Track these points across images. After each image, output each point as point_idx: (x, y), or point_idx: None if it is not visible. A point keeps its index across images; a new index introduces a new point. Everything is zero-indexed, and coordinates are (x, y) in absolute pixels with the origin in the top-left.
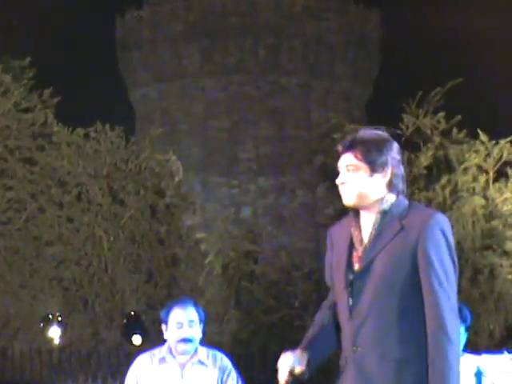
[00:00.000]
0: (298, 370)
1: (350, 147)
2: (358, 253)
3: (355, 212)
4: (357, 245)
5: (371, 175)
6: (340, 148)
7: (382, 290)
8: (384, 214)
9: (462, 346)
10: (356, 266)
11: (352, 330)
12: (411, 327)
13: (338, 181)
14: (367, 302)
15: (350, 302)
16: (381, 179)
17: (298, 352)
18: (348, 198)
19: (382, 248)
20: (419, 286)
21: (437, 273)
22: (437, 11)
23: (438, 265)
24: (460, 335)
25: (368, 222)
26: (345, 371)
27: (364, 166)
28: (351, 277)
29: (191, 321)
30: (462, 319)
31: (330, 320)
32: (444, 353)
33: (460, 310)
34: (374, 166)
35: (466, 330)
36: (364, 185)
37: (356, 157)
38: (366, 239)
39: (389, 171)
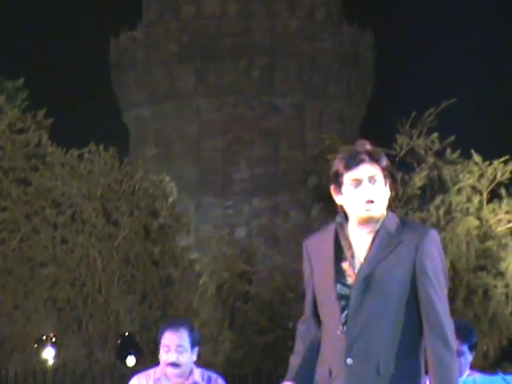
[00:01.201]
0: None
1: (372, 158)
2: (351, 266)
3: (341, 224)
4: (348, 258)
5: (385, 188)
6: (360, 158)
7: (379, 304)
8: (381, 228)
9: (468, 366)
10: (349, 280)
11: (345, 343)
12: (405, 342)
13: (368, 195)
14: (364, 316)
15: (344, 315)
16: (389, 193)
17: None
18: (379, 210)
19: (380, 262)
20: (414, 302)
21: (434, 286)
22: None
23: (434, 279)
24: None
25: (360, 235)
26: None
27: (384, 179)
28: (345, 290)
29: (180, 345)
30: (466, 338)
31: (314, 346)
32: (451, 369)
33: (465, 328)
34: (390, 179)
35: (471, 348)
36: (385, 197)
37: (381, 168)
38: (359, 252)
39: (392, 185)
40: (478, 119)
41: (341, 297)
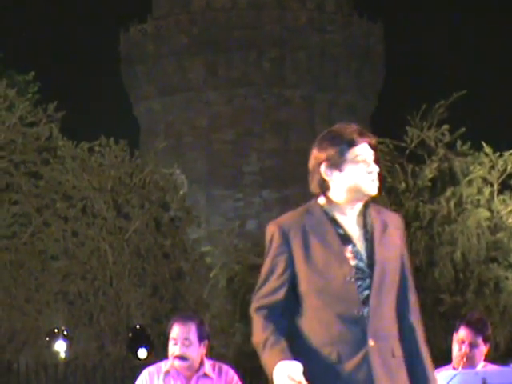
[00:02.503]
0: (300, 380)
1: (370, 138)
2: (348, 248)
3: (327, 206)
4: (354, 239)
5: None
6: (366, 137)
7: (385, 286)
8: (366, 208)
9: (482, 357)
10: (352, 262)
11: (364, 325)
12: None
13: (374, 169)
14: (374, 298)
15: (361, 297)
16: None
17: (294, 363)
18: (376, 188)
19: (377, 243)
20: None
21: (409, 269)
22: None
23: (408, 262)
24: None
25: (349, 215)
26: (351, 368)
27: (375, 157)
28: (358, 271)
29: (186, 339)
30: (480, 330)
31: (285, 332)
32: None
33: (479, 321)
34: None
35: (485, 340)
36: None
37: (375, 148)
38: (352, 233)
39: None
40: (488, 111)
41: (356, 278)
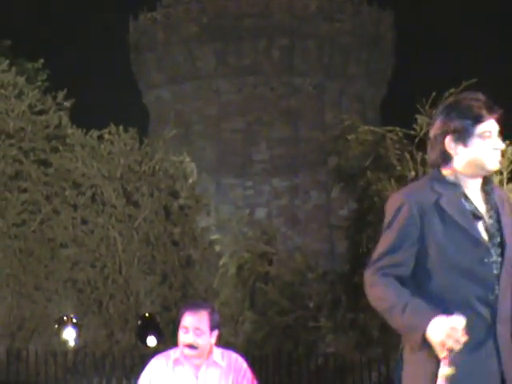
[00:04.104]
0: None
1: (497, 112)
2: (479, 224)
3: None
4: (474, 216)
5: None
6: (494, 112)
7: (509, 265)
8: (488, 183)
9: None
10: (484, 240)
11: (492, 308)
12: None
13: (500, 145)
14: (503, 280)
15: (494, 279)
16: None
17: (455, 316)
18: (498, 163)
19: (503, 221)
20: None
21: None
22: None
23: None
24: None
25: (474, 191)
26: (479, 350)
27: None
28: (494, 253)
29: (198, 328)
30: None
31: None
32: None
33: None
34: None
35: None
36: None
37: (500, 122)
38: (480, 209)
39: None
40: (497, 99)
41: (492, 262)
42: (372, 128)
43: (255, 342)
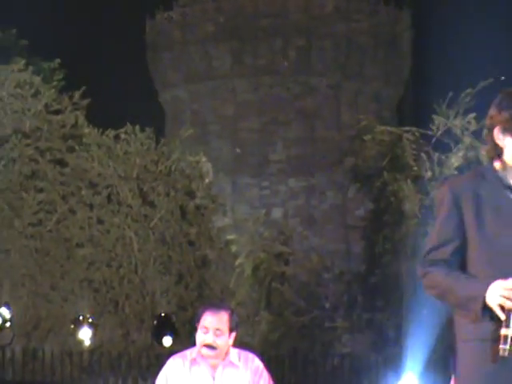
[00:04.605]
0: None
1: None
2: None
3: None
4: None
5: None
6: None
7: None
8: None
9: None
10: None
11: None
12: None
13: None
14: None
15: None
16: None
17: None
18: None
19: None
20: None
21: None
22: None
23: None
24: None
25: None
26: None
27: None
28: None
29: (218, 329)
30: None
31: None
32: None
33: None
34: None
35: None
36: None
37: None
38: None
39: None
40: None
41: None
42: (388, 128)
43: (271, 342)
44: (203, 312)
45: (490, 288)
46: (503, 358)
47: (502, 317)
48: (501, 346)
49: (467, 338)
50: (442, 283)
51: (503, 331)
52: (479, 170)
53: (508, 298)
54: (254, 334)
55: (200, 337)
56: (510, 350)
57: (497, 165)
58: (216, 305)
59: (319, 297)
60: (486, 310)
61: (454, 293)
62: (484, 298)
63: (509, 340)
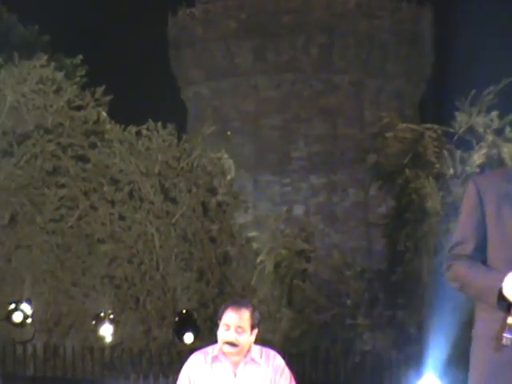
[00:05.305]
0: None
1: None
2: None
3: None
4: None
5: None
6: None
7: None
8: None
9: None
10: None
11: None
12: None
13: None
14: None
15: None
16: None
17: None
18: None
19: None
20: None
21: None
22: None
23: None
24: None
25: None
26: None
27: None
28: None
29: (240, 326)
30: None
31: None
32: None
33: None
34: None
35: None
36: None
37: None
38: None
39: None
40: None
41: None
42: (410, 125)
43: (292, 339)
44: (225, 309)
45: (506, 279)
46: (505, 346)
47: None
48: (504, 335)
49: (483, 333)
50: (465, 275)
51: (510, 320)
52: (508, 168)
53: None
54: (275, 331)
55: (221, 334)
56: None
57: None
58: (238, 302)
59: (340, 294)
60: (502, 300)
61: (473, 284)
62: (500, 288)
63: None
